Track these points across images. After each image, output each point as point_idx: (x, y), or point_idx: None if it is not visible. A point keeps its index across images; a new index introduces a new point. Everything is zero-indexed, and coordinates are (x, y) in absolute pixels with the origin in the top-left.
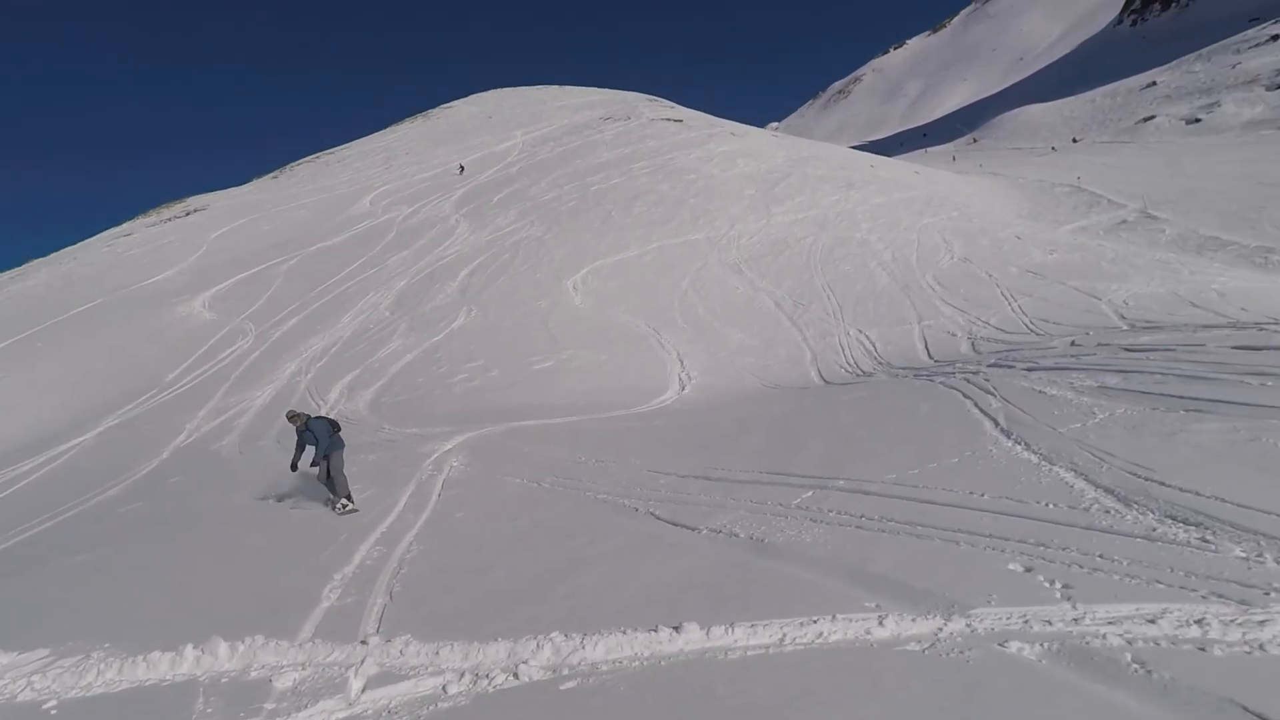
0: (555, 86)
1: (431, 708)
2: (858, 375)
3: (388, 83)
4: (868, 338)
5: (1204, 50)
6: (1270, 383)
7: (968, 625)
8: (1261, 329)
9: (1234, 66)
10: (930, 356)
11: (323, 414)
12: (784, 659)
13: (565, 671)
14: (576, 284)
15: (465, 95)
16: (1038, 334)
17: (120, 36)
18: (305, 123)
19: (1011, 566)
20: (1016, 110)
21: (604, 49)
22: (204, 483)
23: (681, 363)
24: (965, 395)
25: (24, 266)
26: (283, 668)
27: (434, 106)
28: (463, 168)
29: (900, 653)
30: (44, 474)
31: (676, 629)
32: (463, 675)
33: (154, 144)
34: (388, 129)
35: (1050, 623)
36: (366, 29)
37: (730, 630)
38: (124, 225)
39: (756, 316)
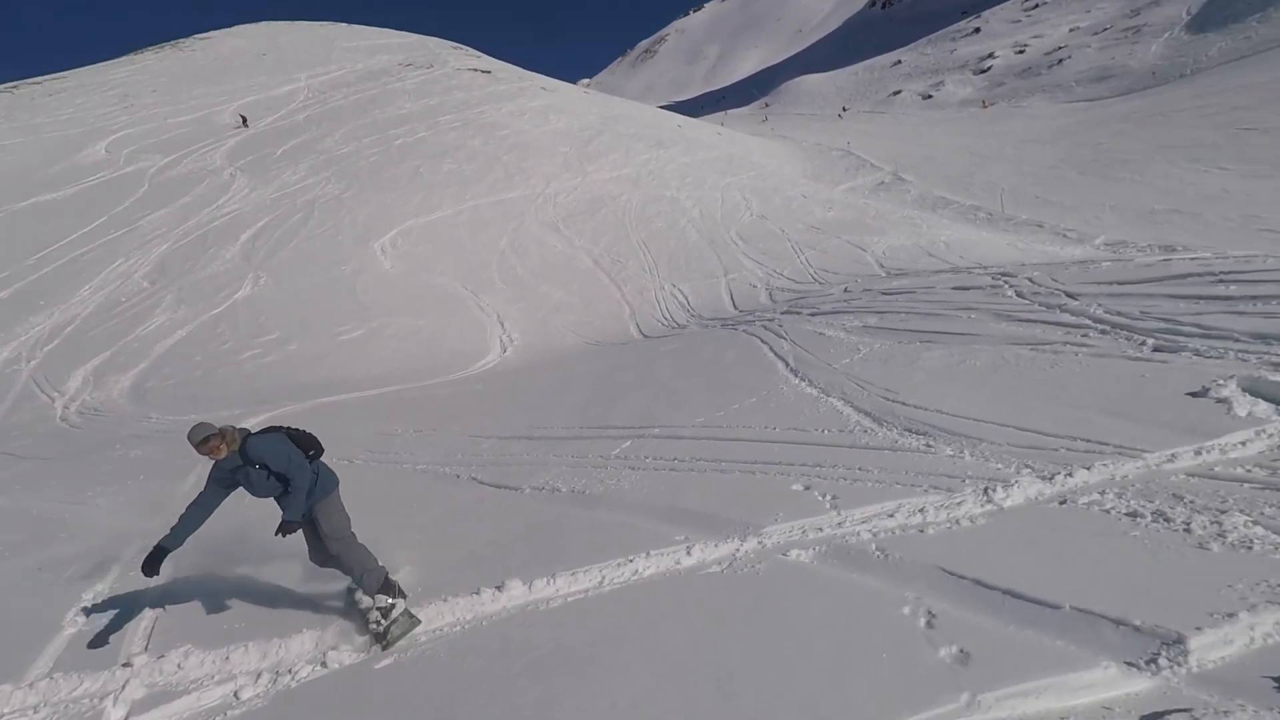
0: (342, 24)
1: (220, 718)
2: (673, 328)
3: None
4: (681, 291)
5: (932, 35)
6: (974, 315)
7: (759, 542)
8: (970, 272)
9: (951, 52)
10: (735, 307)
11: (259, 427)
12: (602, 599)
13: (377, 650)
14: (385, 246)
15: (227, 26)
16: (820, 283)
17: None
18: None
19: (794, 487)
20: (798, 79)
21: None
22: None
23: (502, 324)
24: (763, 341)
25: None
26: (8, 715)
27: (185, 36)
28: (245, 119)
29: (704, 575)
30: None
31: (499, 588)
32: (259, 676)
33: None
34: (123, 58)
35: (821, 529)
36: None
37: (552, 580)
38: None
39: (576, 275)
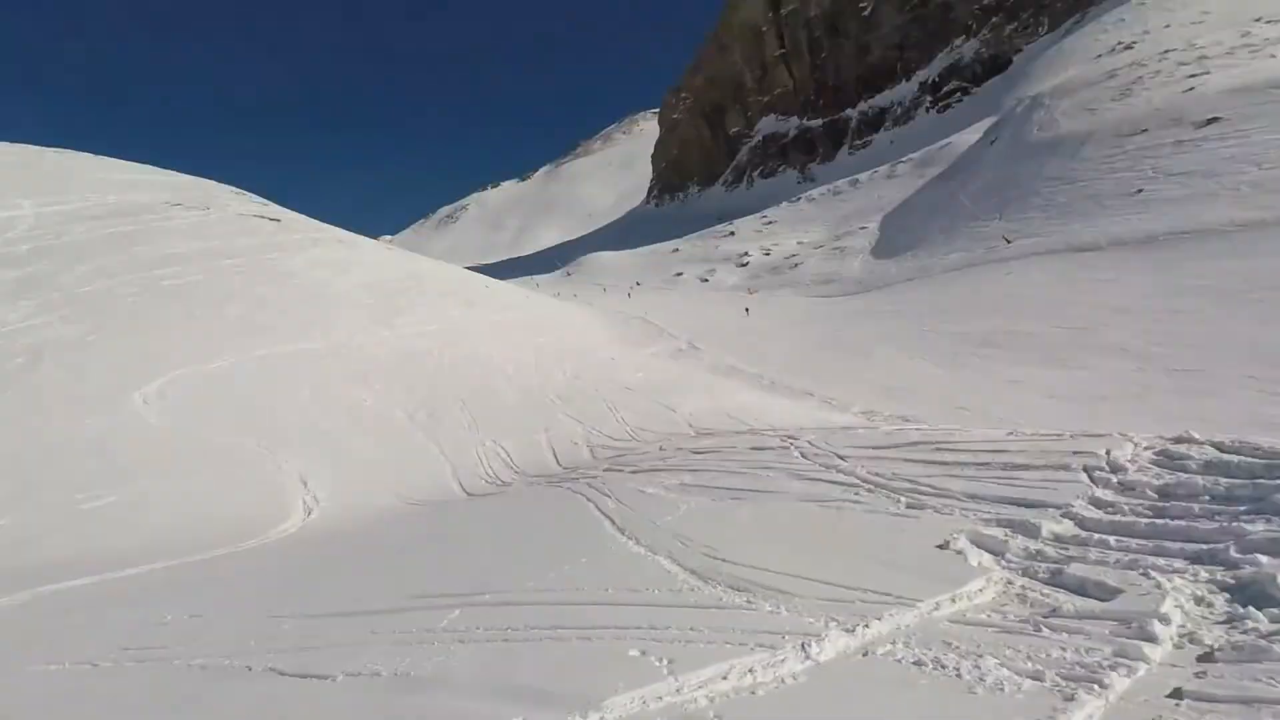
0: (87, 155)
1: None
2: (497, 485)
3: None
4: (503, 448)
5: (701, 232)
6: (771, 473)
7: (600, 717)
8: (763, 434)
9: (716, 248)
10: (559, 464)
11: None
12: None
13: None
14: (149, 396)
15: None
16: (638, 440)
17: None
18: None
19: (632, 653)
20: (594, 254)
21: (165, 120)
22: None
23: (304, 484)
24: (588, 499)
25: None
26: None
27: None
28: None
29: None
30: None
31: None
32: None
33: None
34: None
35: (661, 698)
36: None
37: None
38: None
39: (389, 430)
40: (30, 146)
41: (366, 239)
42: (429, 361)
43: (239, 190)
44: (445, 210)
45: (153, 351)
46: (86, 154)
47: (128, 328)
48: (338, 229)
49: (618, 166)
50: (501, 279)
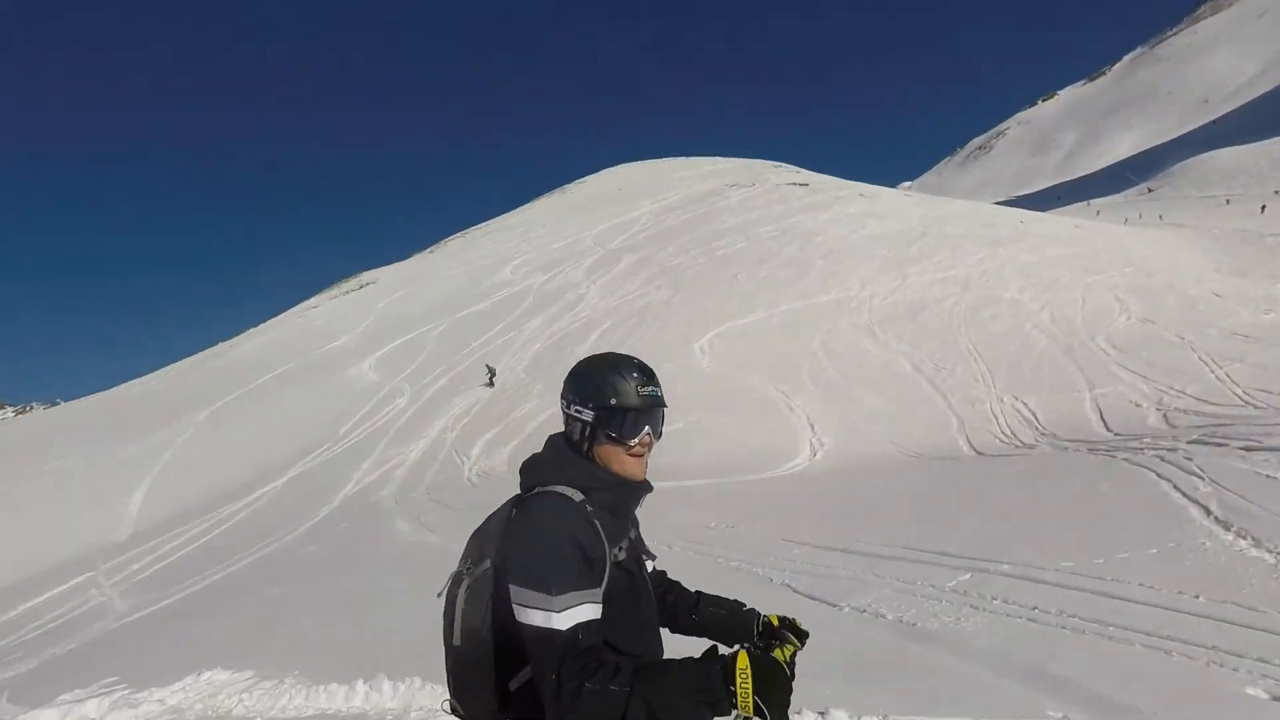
0: (681, 158)
1: None
2: (1015, 446)
3: (526, 162)
4: (1025, 405)
5: None
6: None
7: None
8: None
9: None
10: (1108, 429)
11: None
12: None
13: None
14: (703, 347)
15: (596, 171)
16: (1257, 407)
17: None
18: (457, 200)
19: (1251, 691)
20: (1205, 155)
21: (732, 118)
22: (365, 530)
23: (812, 427)
24: (1161, 476)
25: (240, 336)
26: (437, 711)
27: (569, 181)
28: (491, 373)
29: None
30: (246, 515)
31: (822, 714)
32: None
33: (332, 220)
34: (528, 204)
35: None
36: (511, 115)
37: None
38: (312, 299)
39: (892, 381)
40: (649, 161)
41: (886, 189)
42: (942, 310)
43: (778, 163)
44: (976, 142)
45: (707, 310)
46: (680, 157)
47: (693, 291)
48: (860, 184)
49: (1265, 19)
50: (1041, 211)
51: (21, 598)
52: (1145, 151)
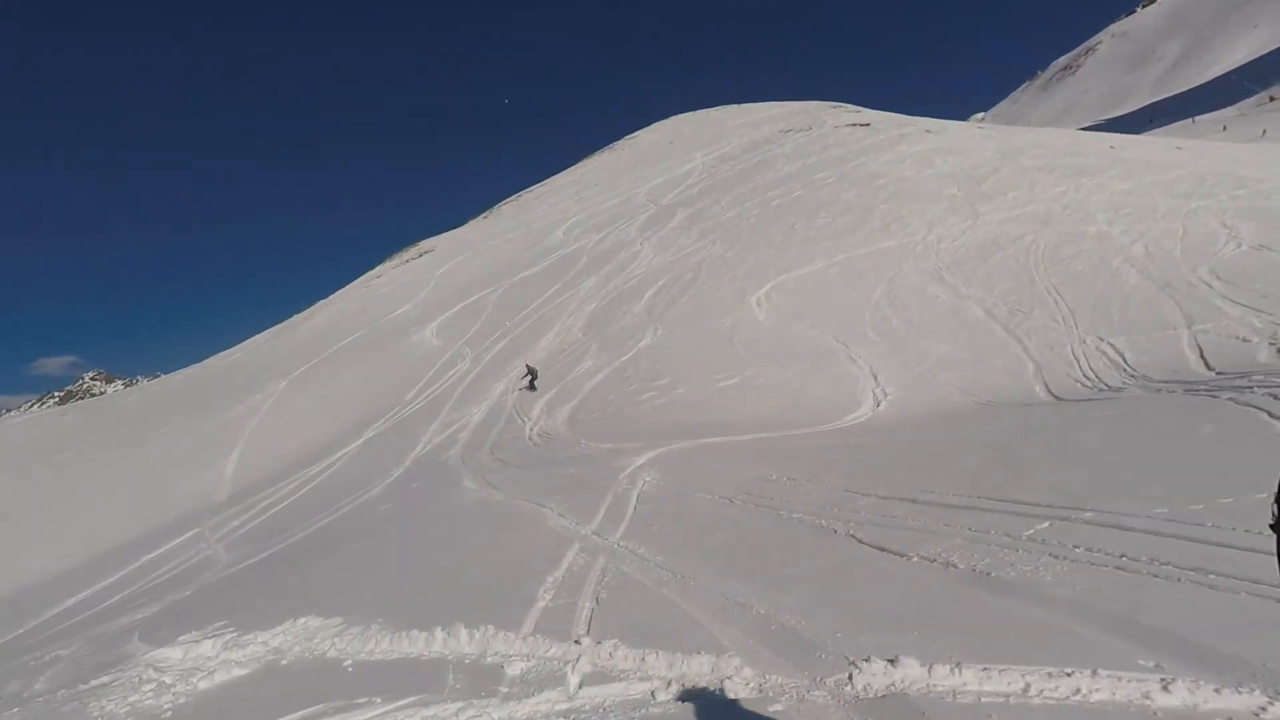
0: (734, 106)
1: (643, 711)
2: (1100, 390)
3: (578, 121)
4: (1112, 346)
5: None
6: None
7: None
8: None
9: None
10: (1209, 368)
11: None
12: (1030, 712)
13: (770, 693)
14: (760, 300)
15: (647, 124)
16: None
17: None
18: (511, 164)
19: None
20: None
21: (785, 58)
22: (436, 487)
23: (875, 378)
24: (1274, 415)
25: (312, 308)
26: (511, 657)
27: (619, 138)
28: (532, 374)
29: None
30: (327, 476)
31: (892, 662)
32: (669, 684)
33: (394, 192)
34: (579, 164)
35: None
36: (557, 74)
37: (957, 671)
38: (376, 269)
39: (962, 326)
40: (701, 111)
41: (955, 123)
42: (1017, 249)
43: (837, 104)
44: (1060, 62)
45: (764, 262)
46: (733, 105)
47: (749, 244)
48: (927, 119)
49: None
50: (1137, 134)
51: (143, 550)
52: (1270, 54)
